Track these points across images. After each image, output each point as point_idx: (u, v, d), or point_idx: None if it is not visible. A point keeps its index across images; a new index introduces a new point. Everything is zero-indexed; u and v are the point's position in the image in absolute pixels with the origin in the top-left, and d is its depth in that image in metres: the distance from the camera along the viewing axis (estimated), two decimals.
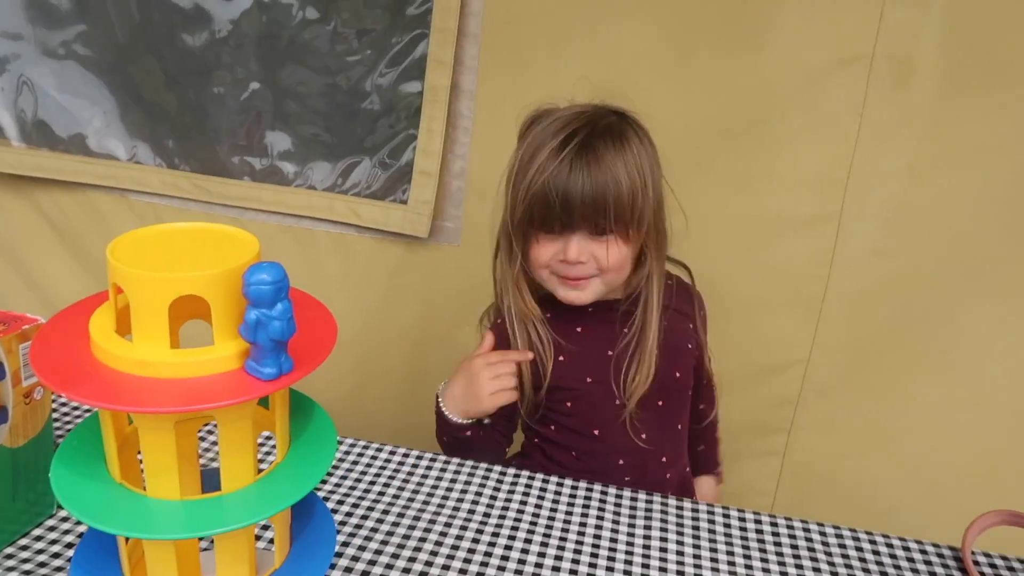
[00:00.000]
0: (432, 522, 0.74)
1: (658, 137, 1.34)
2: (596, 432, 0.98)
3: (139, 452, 0.41)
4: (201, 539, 0.51)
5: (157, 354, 0.35)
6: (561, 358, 0.97)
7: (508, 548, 0.71)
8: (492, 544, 0.72)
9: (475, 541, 0.72)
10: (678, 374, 1.00)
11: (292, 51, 1.49)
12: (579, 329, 0.99)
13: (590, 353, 0.98)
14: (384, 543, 0.70)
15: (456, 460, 0.85)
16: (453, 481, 0.81)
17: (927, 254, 1.33)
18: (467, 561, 0.69)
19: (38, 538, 0.67)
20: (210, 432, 0.84)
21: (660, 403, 0.98)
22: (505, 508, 0.77)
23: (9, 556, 0.64)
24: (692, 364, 1.02)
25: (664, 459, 1.00)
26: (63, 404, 0.88)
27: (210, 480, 0.44)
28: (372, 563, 0.66)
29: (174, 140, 1.57)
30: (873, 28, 1.22)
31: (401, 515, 0.74)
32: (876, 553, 0.76)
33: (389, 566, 0.66)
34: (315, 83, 1.50)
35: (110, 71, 1.56)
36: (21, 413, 0.65)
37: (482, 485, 0.81)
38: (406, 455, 0.86)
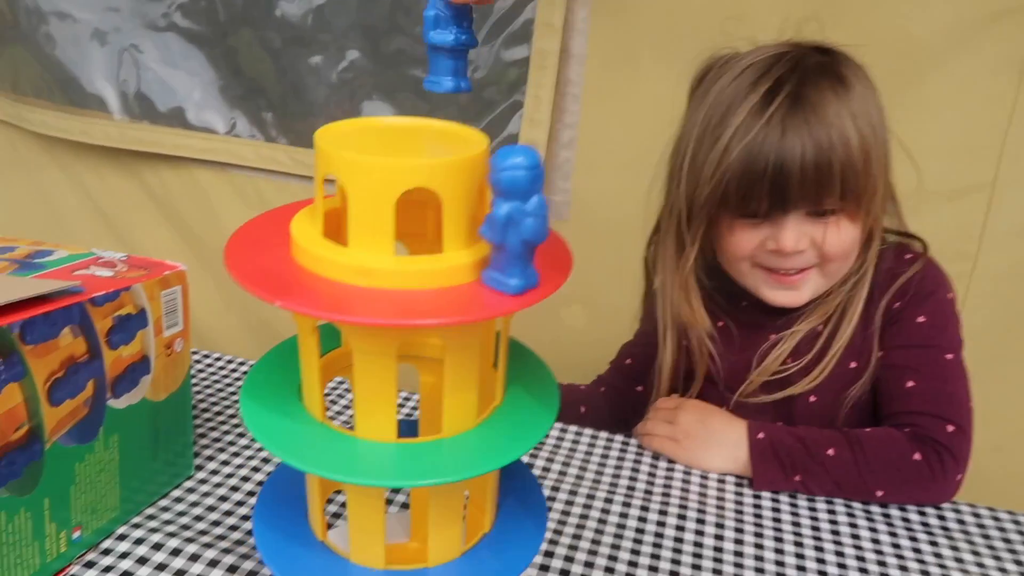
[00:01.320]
0: (627, 504, 0.66)
1: None
2: None
3: (325, 391, 0.35)
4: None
5: (380, 260, 0.28)
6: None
7: (719, 540, 0.63)
8: (698, 536, 0.64)
9: (683, 517, 0.64)
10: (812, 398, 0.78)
11: (392, 17, 1.44)
12: (729, 318, 0.81)
13: (741, 350, 0.80)
14: (580, 525, 0.63)
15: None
16: (638, 461, 0.73)
17: None
18: (676, 551, 0.61)
19: (178, 499, 0.62)
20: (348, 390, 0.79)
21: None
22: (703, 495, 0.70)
23: (151, 517, 0.60)
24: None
25: None
26: (197, 361, 0.84)
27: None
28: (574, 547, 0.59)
29: (272, 112, 1.54)
30: None
31: (601, 498, 0.67)
32: None
33: (595, 542, 0.59)
34: (415, 51, 1.44)
35: (209, 43, 1.54)
36: (162, 365, 0.60)
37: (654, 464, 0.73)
38: (578, 433, 0.79)
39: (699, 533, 0.63)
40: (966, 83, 1.18)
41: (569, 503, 0.65)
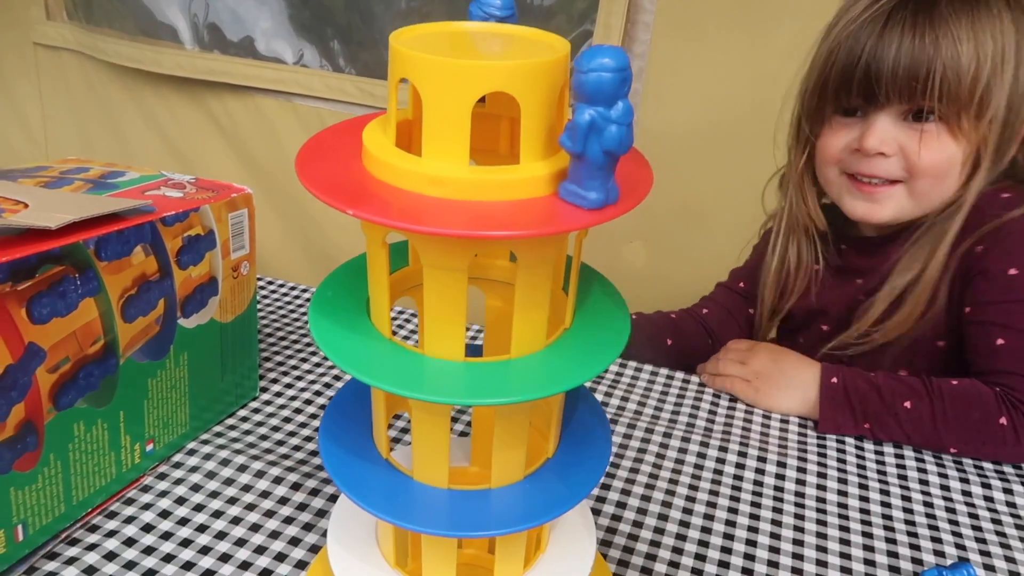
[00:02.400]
0: (686, 440, 0.66)
1: None
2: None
3: (392, 309, 0.34)
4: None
5: (454, 170, 0.27)
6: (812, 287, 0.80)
7: (780, 478, 0.62)
8: (761, 471, 0.63)
9: (746, 454, 0.63)
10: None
11: None
12: (833, 262, 0.79)
13: (840, 286, 0.79)
14: (638, 459, 0.62)
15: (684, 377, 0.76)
16: (698, 399, 0.73)
17: None
18: (736, 488, 0.61)
19: (244, 419, 0.64)
20: (406, 321, 0.79)
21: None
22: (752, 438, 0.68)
23: (218, 434, 0.62)
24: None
25: None
26: (261, 287, 0.85)
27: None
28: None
29: (340, 42, 1.53)
30: None
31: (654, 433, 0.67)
32: None
33: (653, 479, 0.59)
34: None
35: None
36: (229, 287, 0.61)
37: (713, 400, 0.72)
38: (638, 369, 0.78)
39: (759, 472, 0.62)
40: None
41: (627, 436, 0.65)
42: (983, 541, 0.57)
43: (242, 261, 0.62)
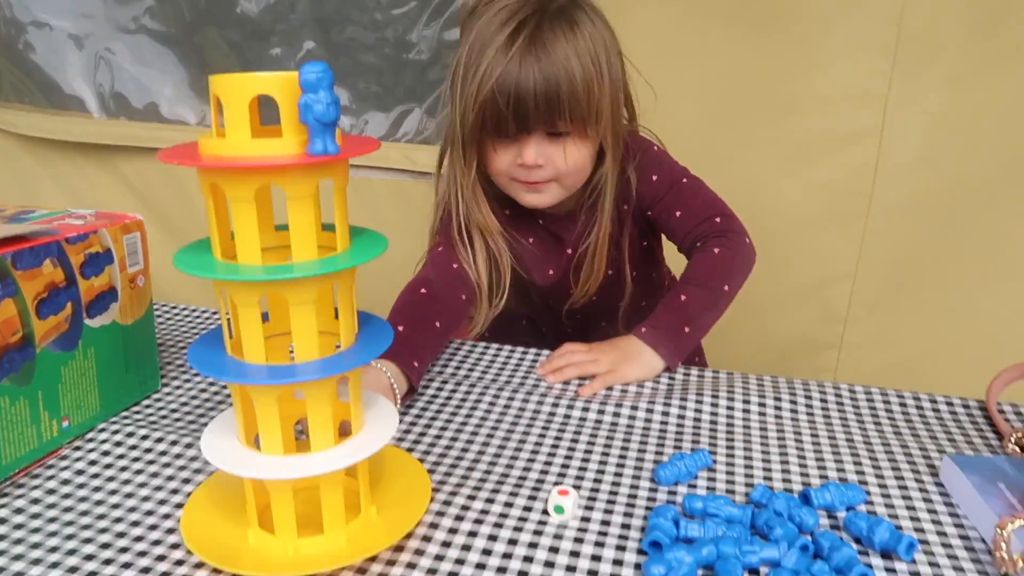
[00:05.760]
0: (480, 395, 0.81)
1: (691, 69, 1.36)
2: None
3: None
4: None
5: (242, 145, 0.45)
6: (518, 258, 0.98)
7: (549, 418, 0.77)
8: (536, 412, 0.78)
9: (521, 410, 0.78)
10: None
11: (342, 8, 1.57)
12: (533, 235, 1.00)
13: (548, 255, 1.00)
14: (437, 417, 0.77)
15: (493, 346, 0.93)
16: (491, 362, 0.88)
17: (972, 162, 1.33)
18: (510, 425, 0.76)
19: (148, 406, 0.77)
20: None
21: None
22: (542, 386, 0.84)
23: (126, 417, 0.74)
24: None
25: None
26: (167, 310, 0.98)
27: None
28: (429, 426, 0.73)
29: None
30: None
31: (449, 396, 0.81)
32: (903, 406, 0.79)
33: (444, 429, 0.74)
34: (365, 38, 1.58)
35: (178, 42, 1.67)
36: (128, 296, 0.74)
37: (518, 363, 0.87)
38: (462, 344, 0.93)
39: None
40: (852, 36, 1.32)
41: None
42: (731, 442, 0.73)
43: (138, 275, 0.76)
